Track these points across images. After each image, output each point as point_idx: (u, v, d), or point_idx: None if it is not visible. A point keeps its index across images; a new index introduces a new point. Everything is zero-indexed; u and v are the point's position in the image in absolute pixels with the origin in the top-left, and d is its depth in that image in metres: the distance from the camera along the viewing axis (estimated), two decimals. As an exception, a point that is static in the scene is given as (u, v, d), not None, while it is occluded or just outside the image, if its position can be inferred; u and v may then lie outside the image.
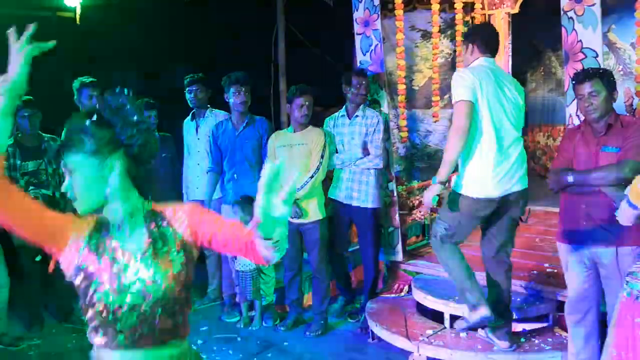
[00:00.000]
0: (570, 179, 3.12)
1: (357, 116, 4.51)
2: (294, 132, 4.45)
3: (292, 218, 4.38)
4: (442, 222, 3.58)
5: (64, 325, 4.79)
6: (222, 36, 6.30)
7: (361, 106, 4.52)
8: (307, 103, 4.36)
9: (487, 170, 3.40)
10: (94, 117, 1.71)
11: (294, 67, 6.64)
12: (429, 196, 3.44)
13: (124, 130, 1.71)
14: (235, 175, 4.68)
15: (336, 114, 4.67)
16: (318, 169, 4.34)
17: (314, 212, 4.43)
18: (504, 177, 3.41)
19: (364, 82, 4.48)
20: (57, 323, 4.84)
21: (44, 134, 4.69)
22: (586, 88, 3.07)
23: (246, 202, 4.56)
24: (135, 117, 1.73)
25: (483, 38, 3.56)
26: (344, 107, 4.62)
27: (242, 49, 6.43)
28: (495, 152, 3.38)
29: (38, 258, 4.57)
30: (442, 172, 3.39)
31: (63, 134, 1.77)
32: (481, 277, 3.73)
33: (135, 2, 5.97)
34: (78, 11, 5.86)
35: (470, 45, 3.57)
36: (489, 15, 6.73)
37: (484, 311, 3.47)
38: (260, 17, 6.70)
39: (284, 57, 6.60)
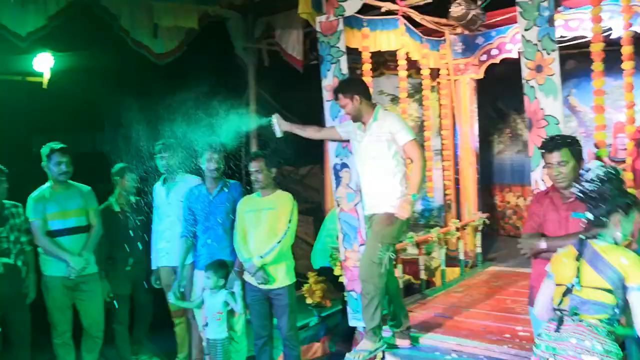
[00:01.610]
0: (543, 245, 3.13)
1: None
2: (262, 196, 4.45)
3: (259, 284, 4.33)
4: (384, 246, 3.99)
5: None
6: (194, 100, 6.33)
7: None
8: (256, 168, 4.36)
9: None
10: None
11: (264, 130, 6.70)
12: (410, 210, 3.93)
13: None
14: (208, 240, 4.61)
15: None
16: (286, 233, 4.30)
17: (282, 277, 4.37)
18: None
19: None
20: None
21: (6, 202, 4.56)
22: (555, 157, 3.15)
23: (219, 267, 4.49)
24: None
25: (366, 90, 4.19)
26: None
27: (215, 111, 6.46)
28: None
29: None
30: (416, 190, 3.98)
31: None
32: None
33: (104, 66, 6.00)
34: (47, 76, 5.86)
35: (356, 97, 4.08)
36: (455, 81, 6.94)
37: (379, 345, 4.14)
38: (232, 81, 6.79)
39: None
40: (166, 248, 4.96)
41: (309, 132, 4.60)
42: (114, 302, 4.95)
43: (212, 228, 4.59)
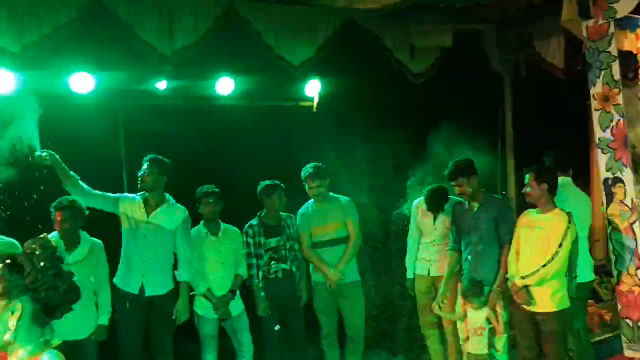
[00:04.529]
0: None
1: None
2: (540, 213, 4.29)
3: (521, 304, 4.21)
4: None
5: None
6: (448, 117, 6.38)
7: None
8: (528, 183, 4.30)
9: None
10: (8, 261, 1.84)
11: (520, 145, 6.48)
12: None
13: (30, 275, 1.81)
14: (469, 257, 4.63)
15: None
16: (553, 258, 4.05)
17: (547, 303, 4.15)
18: None
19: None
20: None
21: (282, 213, 5.13)
22: None
23: (474, 286, 4.45)
24: (42, 264, 1.82)
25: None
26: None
27: (470, 127, 6.45)
28: None
29: (277, 327, 4.93)
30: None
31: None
32: None
33: (365, 89, 6.36)
34: (316, 100, 6.43)
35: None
36: None
37: None
38: (487, 95, 6.69)
39: (512, 137, 6.46)
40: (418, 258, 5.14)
41: None
42: None
43: (472, 244, 4.61)
